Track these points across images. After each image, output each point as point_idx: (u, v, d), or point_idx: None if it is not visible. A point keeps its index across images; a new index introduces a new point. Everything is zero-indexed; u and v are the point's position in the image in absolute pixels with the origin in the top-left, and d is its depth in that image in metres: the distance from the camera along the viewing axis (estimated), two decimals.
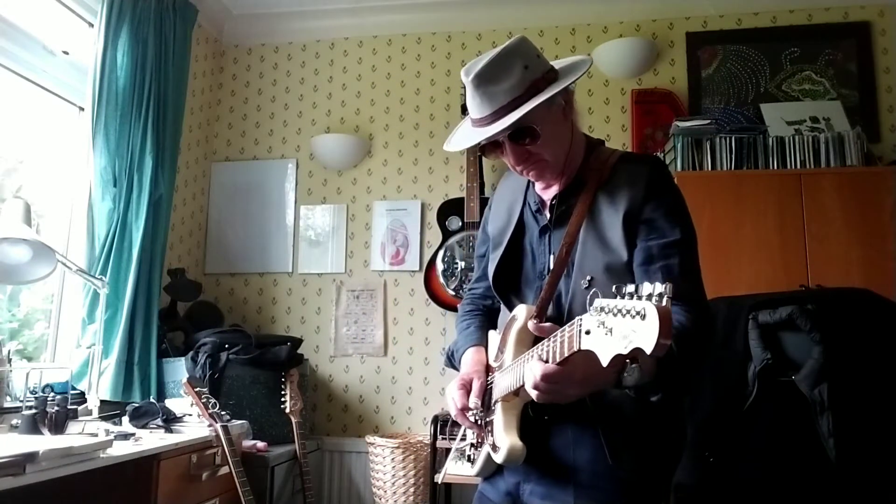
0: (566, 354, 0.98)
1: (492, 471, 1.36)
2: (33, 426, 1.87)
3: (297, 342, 3.06)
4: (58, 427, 1.90)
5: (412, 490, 2.89)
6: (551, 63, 1.28)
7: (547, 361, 1.03)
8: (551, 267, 1.28)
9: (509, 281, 1.38)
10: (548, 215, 1.34)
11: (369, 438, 3.02)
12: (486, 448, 1.29)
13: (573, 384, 1.04)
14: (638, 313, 0.80)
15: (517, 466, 1.27)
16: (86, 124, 2.63)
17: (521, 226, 1.39)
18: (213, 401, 2.33)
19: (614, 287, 0.86)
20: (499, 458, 1.20)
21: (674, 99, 3.32)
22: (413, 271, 3.39)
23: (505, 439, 1.20)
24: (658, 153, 3.16)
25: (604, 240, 1.23)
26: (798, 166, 2.80)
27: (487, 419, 1.29)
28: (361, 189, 3.55)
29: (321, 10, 3.62)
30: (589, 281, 1.20)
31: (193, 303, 3.28)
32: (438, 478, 1.35)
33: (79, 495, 1.77)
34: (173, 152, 3.02)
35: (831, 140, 2.81)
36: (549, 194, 1.35)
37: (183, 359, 2.79)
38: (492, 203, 1.52)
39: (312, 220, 3.56)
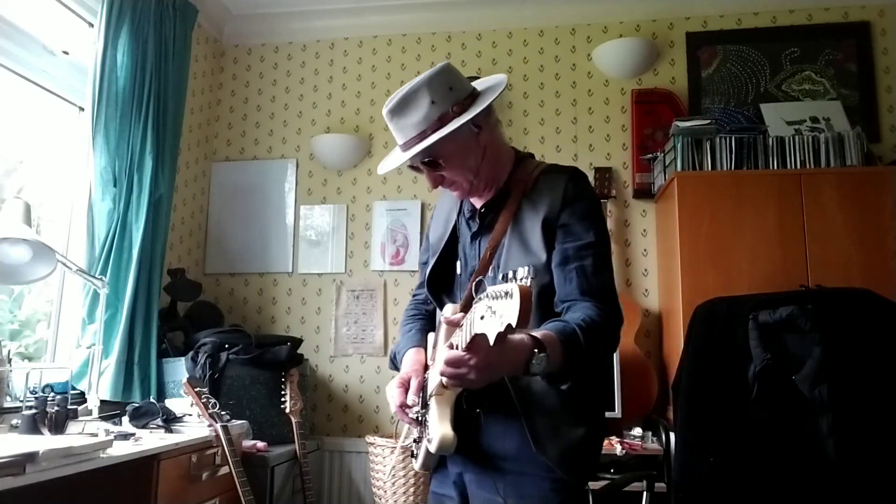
0: (468, 340, 1.06)
1: (434, 463, 1.43)
2: (33, 426, 1.87)
3: (297, 342, 3.06)
4: (58, 427, 1.90)
5: (412, 490, 2.89)
6: (473, 85, 1.39)
7: (455, 349, 1.11)
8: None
9: (443, 285, 1.49)
10: (478, 222, 1.45)
11: (369, 438, 3.02)
12: (424, 441, 1.37)
13: (476, 369, 1.09)
14: (507, 293, 0.91)
15: (458, 458, 1.38)
16: (86, 124, 2.62)
17: (455, 232, 1.51)
18: (213, 401, 2.33)
19: (501, 275, 0.98)
20: (432, 448, 1.28)
21: (674, 99, 3.32)
22: (413, 271, 3.39)
23: (437, 430, 1.27)
24: (658, 153, 3.17)
25: (526, 243, 1.34)
26: (798, 166, 2.80)
27: (426, 415, 1.37)
28: (361, 189, 3.55)
29: (321, 10, 3.62)
30: None
31: (193, 303, 3.28)
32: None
33: (79, 495, 1.77)
34: (173, 152, 3.02)
35: (831, 140, 2.81)
36: (479, 203, 1.46)
37: (183, 359, 2.78)
38: (433, 213, 1.64)
39: (312, 220, 3.56)
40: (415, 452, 1.46)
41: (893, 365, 2.00)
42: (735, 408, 2.12)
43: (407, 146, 1.36)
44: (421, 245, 1.68)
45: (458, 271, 1.47)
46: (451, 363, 1.10)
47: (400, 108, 1.35)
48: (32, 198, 2.24)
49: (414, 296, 1.69)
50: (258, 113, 3.73)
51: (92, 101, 2.60)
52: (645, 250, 3.28)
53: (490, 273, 1.37)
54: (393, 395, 1.40)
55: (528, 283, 0.91)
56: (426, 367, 1.44)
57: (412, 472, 2.90)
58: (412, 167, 1.41)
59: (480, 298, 0.99)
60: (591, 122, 3.42)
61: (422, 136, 1.32)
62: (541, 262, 1.32)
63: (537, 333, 1.15)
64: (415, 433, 1.47)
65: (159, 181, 2.85)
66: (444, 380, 1.14)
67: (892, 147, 3.14)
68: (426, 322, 1.60)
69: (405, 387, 1.39)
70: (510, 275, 0.94)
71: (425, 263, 1.60)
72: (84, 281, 2.47)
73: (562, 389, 1.23)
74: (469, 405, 1.33)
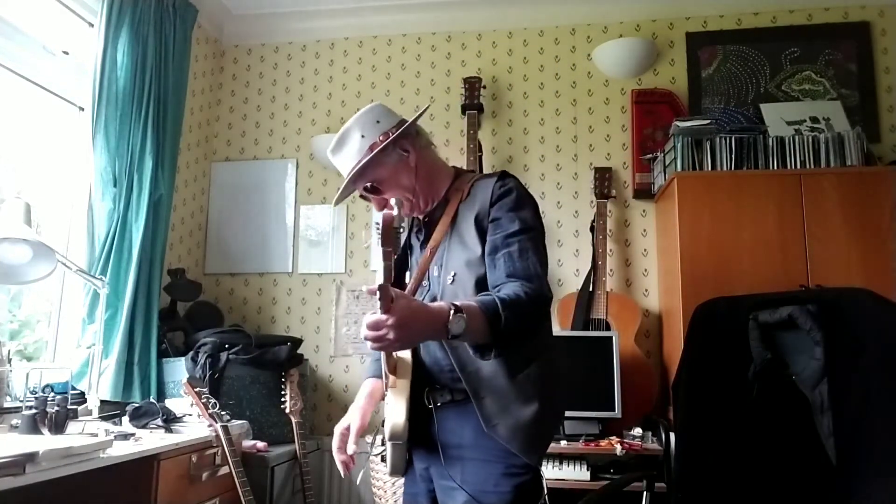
0: (380, 301, 1.13)
1: (403, 464, 1.48)
2: (33, 426, 1.87)
3: (297, 342, 3.06)
4: (58, 427, 1.90)
5: None
6: (403, 118, 1.56)
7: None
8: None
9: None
10: (423, 231, 1.59)
11: (369, 438, 3.02)
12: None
13: (394, 328, 1.13)
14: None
15: (422, 454, 1.50)
16: (86, 124, 2.63)
17: (407, 250, 1.66)
18: (213, 401, 2.33)
19: (445, 272, 1.20)
20: (386, 437, 1.40)
21: (674, 99, 3.32)
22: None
23: (389, 420, 1.39)
24: (658, 153, 3.17)
25: (463, 241, 1.47)
26: (798, 166, 2.80)
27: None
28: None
29: (321, 10, 3.62)
30: (453, 275, 1.45)
31: (193, 303, 3.28)
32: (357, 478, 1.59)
33: (79, 495, 1.76)
34: (173, 152, 3.02)
35: (831, 140, 2.81)
36: (423, 216, 1.60)
37: (183, 359, 2.78)
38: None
39: (312, 220, 3.56)
40: (384, 457, 1.52)
41: (893, 365, 2.00)
42: (735, 408, 2.12)
43: (350, 174, 1.51)
44: None
45: (407, 280, 1.58)
46: (371, 326, 1.14)
47: (338, 146, 1.53)
48: (32, 198, 2.24)
49: None
50: (258, 113, 3.73)
51: (92, 101, 2.60)
52: (645, 250, 3.28)
53: (433, 272, 1.50)
54: (335, 436, 1.55)
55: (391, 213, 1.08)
56: (383, 397, 1.54)
57: None
58: (363, 197, 1.57)
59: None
60: (591, 122, 3.42)
61: (357, 164, 1.49)
62: (476, 255, 1.43)
63: (458, 301, 1.24)
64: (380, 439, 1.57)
65: (159, 181, 2.85)
66: (369, 344, 1.18)
67: (892, 147, 3.14)
68: None
69: (345, 437, 1.53)
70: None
71: None
72: (84, 281, 2.47)
73: (513, 372, 1.36)
74: (426, 401, 1.45)
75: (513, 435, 1.37)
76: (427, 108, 1.60)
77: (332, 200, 3.59)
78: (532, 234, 1.44)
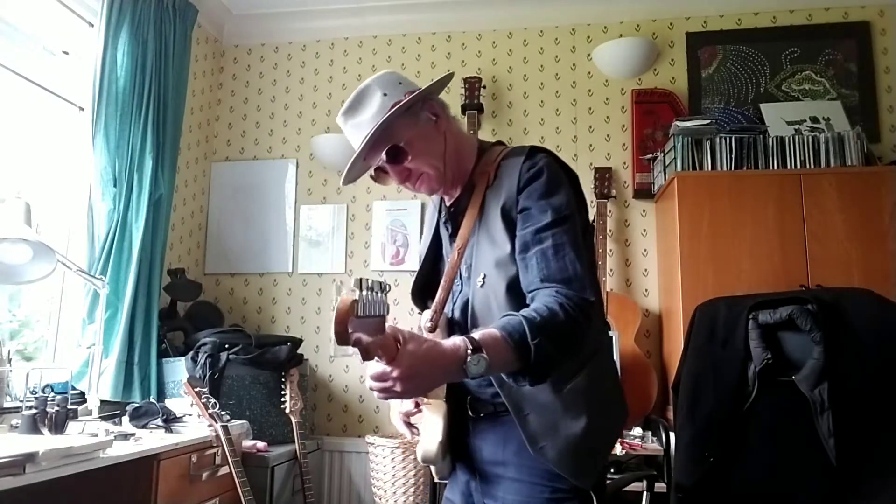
0: (381, 358, 1.00)
1: (448, 470, 1.37)
2: (33, 426, 1.87)
3: (297, 342, 3.06)
4: (58, 427, 1.90)
5: (412, 490, 2.89)
6: (419, 87, 1.34)
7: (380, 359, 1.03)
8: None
9: (429, 291, 1.40)
10: (450, 223, 1.40)
11: (369, 438, 3.02)
12: None
13: (400, 380, 1.01)
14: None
15: (465, 466, 1.33)
16: (86, 124, 2.63)
17: (437, 237, 1.45)
18: (213, 401, 2.33)
19: (475, 274, 1.03)
20: (418, 457, 1.26)
21: (674, 99, 3.32)
22: (413, 271, 3.36)
23: (423, 442, 1.25)
24: (658, 153, 3.17)
25: (492, 237, 1.26)
26: (798, 166, 2.80)
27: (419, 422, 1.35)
28: (361, 189, 3.55)
29: (321, 10, 3.62)
30: (483, 278, 1.25)
31: (193, 303, 3.28)
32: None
33: (79, 495, 1.76)
34: (173, 152, 3.02)
35: (831, 140, 2.81)
36: (449, 202, 1.40)
37: (183, 359, 2.78)
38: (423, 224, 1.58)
39: (312, 220, 3.56)
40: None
41: (893, 365, 2.00)
42: (735, 408, 2.12)
43: (365, 143, 1.28)
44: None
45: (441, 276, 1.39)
46: (375, 377, 1.03)
47: (353, 108, 1.31)
48: (32, 198, 2.24)
49: None
50: (258, 113, 3.73)
51: (92, 101, 2.60)
52: (645, 250, 3.28)
53: (464, 273, 1.31)
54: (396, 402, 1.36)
55: (347, 296, 0.89)
56: None
57: (412, 473, 2.90)
58: (376, 171, 1.34)
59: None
60: (591, 122, 3.42)
61: (381, 122, 1.26)
62: (505, 254, 1.23)
63: (476, 333, 1.07)
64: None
65: (159, 181, 2.85)
66: (376, 395, 1.06)
67: (892, 147, 3.14)
68: None
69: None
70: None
71: None
72: (84, 281, 2.47)
73: (559, 384, 1.18)
74: (468, 410, 1.29)
75: (562, 457, 1.19)
76: (452, 75, 1.38)
77: (332, 200, 3.62)
78: (568, 224, 1.21)
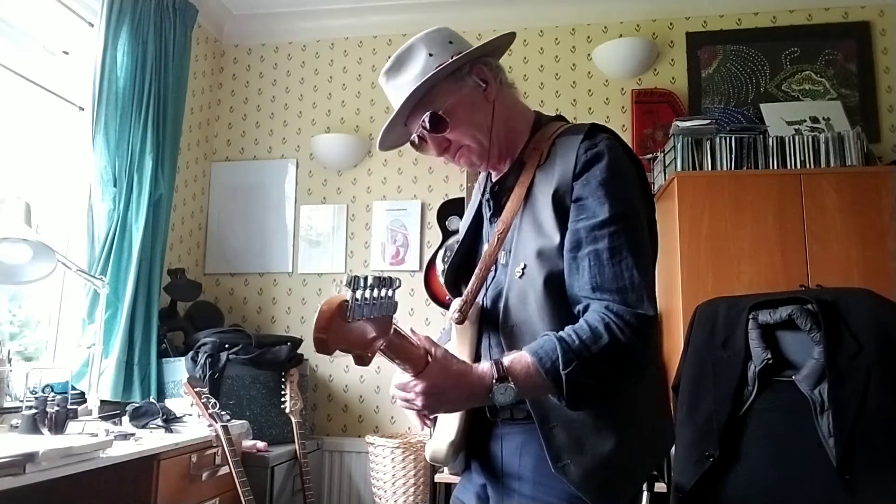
0: (406, 369, 0.96)
1: (462, 466, 1.27)
2: (33, 426, 1.87)
3: (297, 342, 3.06)
4: (58, 427, 1.90)
5: (412, 490, 2.89)
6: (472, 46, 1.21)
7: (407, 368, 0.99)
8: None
9: (465, 277, 1.26)
10: (492, 202, 1.26)
11: (369, 438, 3.02)
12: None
13: (422, 395, 0.98)
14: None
15: (481, 469, 1.21)
16: (86, 124, 2.63)
17: (479, 216, 1.32)
18: (213, 401, 2.33)
19: (514, 262, 0.91)
20: (427, 456, 1.18)
21: (674, 99, 3.32)
22: (413, 271, 3.39)
23: (434, 440, 1.17)
24: (658, 153, 3.16)
25: (538, 223, 1.12)
26: (798, 166, 2.80)
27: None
28: (361, 189, 3.55)
29: (321, 10, 3.62)
30: (523, 268, 1.11)
31: (193, 303, 3.28)
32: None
33: (79, 495, 1.76)
34: (173, 152, 3.02)
35: (831, 140, 2.81)
36: (496, 179, 1.27)
37: (183, 359, 2.78)
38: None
39: (312, 220, 3.56)
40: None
41: (893, 365, 2.00)
42: (735, 408, 2.12)
43: (405, 106, 1.18)
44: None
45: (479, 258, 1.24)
46: (398, 386, 1.01)
47: (396, 67, 1.21)
48: (32, 198, 2.24)
49: None
50: (258, 113, 3.73)
51: (92, 101, 2.60)
52: None
53: (502, 260, 1.18)
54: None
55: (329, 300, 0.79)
56: None
57: (412, 473, 2.90)
58: (419, 139, 1.22)
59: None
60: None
61: (421, 87, 1.16)
62: (553, 245, 1.08)
63: (506, 359, 1.00)
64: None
65: (159, 181, 2.85)
66: (400, 403, 1.02)
67: (892, 147, 3.14)
68: None
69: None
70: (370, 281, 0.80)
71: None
72: (84, 281, 2.47)
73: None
74: (487, 413, 1.17)
75: (586, 479, 1.04)
76: (513, 35, 1.24)
77: (332, 200, 3.62)
78: (629, 222, 1.07)
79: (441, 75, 1.15)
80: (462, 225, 1.38)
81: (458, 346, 1.18)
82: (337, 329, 0.78)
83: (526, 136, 1.24)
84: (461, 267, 1.31)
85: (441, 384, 0.98)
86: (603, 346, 0.99)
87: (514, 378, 0.97)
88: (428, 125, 1.17)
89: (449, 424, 1.16)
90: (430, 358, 0.97)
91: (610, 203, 1.06)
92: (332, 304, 0.78)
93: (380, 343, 0.89)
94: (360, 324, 0.82)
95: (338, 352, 0.80)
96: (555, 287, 1.08)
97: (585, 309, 1.05)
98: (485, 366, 1.00)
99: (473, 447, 1.21)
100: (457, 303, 1.19)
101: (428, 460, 1.20)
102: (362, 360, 0.87)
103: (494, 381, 0.97)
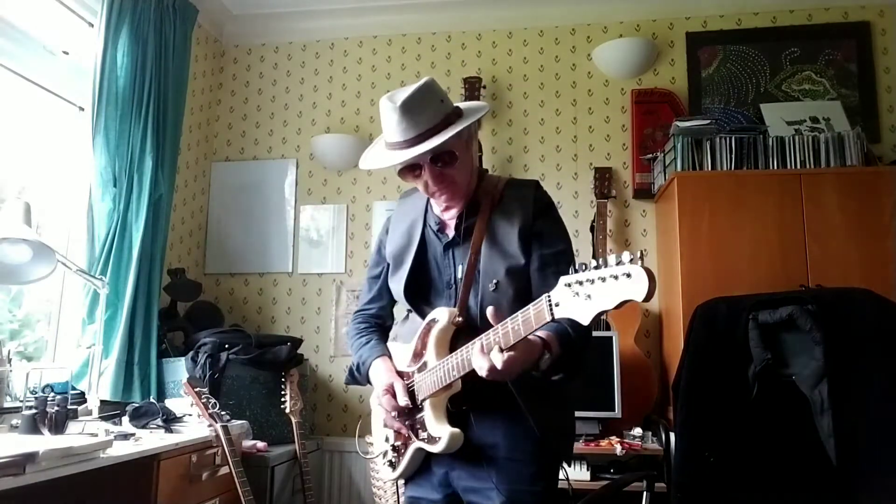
0: (522, 335, 1.19)
1: (415, 469, 1.50)
2: (33, 426, 1.87)
3: (297, 342, 3.06)
4: (58, 427, 1.90)
5: None
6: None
7: (503, 347, 1.21)
8: (460, 276, 1.49)
9: (419, 293, 1.55)
10: (450, 234, 1.53)
11: (369, 438, 3.02)
12: (417, 444, 1.44)
13: (518, 365, 1.22)
14: (625, 274, 1.01)
15: (444, 458, 1.44)
16: (86, 124, 2.62)
17: (423, 244, 1.56)
18: (213, 401, 2.33)
19: (578, 264, 1.09)
20: (439, 447, 1.38)
21: (674, 99, 3.32)
22: None
23: (442, 429, 1.38)
24: (658, 153, 3.17)
25: (503, 250, 1.45)
26: (798, 166, 2.80)
27: (416, 418, 1.45)
28: (361, 189, 3.55)
29: (321, 10, 3.62)
30: (496, 284, 1.43)
31: (193, 303, 3.28)
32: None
33: (79, 495, 1.76)
34: (173, 152, 3.02)
35: (831, 140, 2.81)
36: (449, 215, 1.54)
37: (183, 359, 2.78)
38: (388, 228, 1.68)
39: (312, 220, 3.56)
40: (394, 461, 1.52)
41: (893, 365, 2.00)
42: (735, 408, 2.12)
43: (417, 140, 1.39)
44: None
45: (434, 280, 1.54)
46: (508, 363, 1.20)
47: (414, 102, 1.39)
48: (32, 198, 2.24)
49: (360, 310, 1.72)
50: (258, 113, 3.73)
51: (92, 101, 2.60)
52: (645, 250, 3.26)
53: (473, 279, 1.46)
54: (383, 401, 1.46)
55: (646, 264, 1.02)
56: (400, 374, 1.50)
57: None
58: (405, 168, 1.45)
59: (569, 286, 1.09)
60: (590, 122, 3.42)
61: (435, 129, 1.39)
62: (519, 265, 1.44)
63: (542, 334, 1.27)
64: (391, 441, 1.53)
65: (159, 181, 2.85)
66: (485, 373, 1.23)
67: (892, 147, 3.14)
68: (381, 333, 1.67)
69: (392, 393, 1.45)
70: (594, 263, 1.05)
71: (375, 277, 1.69)
72: (84, 281, 2.47)
73: (553, 379, 1.35)
74: (455, 404, 1.42)
75: (545, 438, 1.41)
76: (488, 109, 1.55)
77: (332, 200, 3.62)
78: (571, 249, 1.51)
79: (473, 126, 1.46)
80: (396, 251, 1.60)
81: (435, 348, 1.43)
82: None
83: (476, 182, 1.54)
84: (413, 283, 1.57)
85: (525, 356, 1.24)
86: (585, 330, 1.31)
87: (553, 349, 1.29)
88: (440, 161, 1.43)
89: (440, 417, 1.40)
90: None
91: (562, 240, 1.50)
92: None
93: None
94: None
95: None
96: (522, 296, 1.40)
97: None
98: (535, 338, 1.27)
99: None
100: (446, 310, 1.45)
101: (443, 450, 1.38)
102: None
103: (545, 351, 1.28)
